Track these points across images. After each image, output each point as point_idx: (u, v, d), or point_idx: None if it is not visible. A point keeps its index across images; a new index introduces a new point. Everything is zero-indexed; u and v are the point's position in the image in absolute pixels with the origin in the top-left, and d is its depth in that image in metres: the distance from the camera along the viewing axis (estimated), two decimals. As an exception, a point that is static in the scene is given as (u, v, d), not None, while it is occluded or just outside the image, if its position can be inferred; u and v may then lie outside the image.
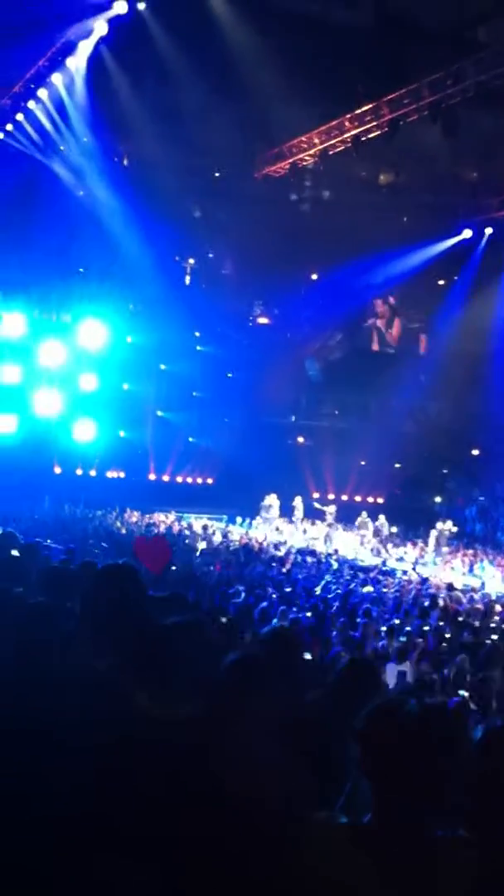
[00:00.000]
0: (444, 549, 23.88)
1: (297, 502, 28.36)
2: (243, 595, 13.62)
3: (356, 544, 26.02)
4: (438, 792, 2.59)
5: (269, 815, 2.54)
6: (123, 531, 23.17)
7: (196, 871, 2.49)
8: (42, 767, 2.64)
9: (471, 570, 22.95)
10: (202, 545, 21.71)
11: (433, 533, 24.43)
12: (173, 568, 16.13)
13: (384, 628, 11.69)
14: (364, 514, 27.66)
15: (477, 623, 13.42)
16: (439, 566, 22.96)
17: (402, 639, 11.00)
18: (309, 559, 20.93)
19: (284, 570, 18.18)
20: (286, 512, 28.47)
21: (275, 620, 10.75)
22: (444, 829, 2.60)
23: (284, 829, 2.53)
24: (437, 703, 3.20)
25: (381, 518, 26.88)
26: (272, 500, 28.08)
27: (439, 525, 24.77)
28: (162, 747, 2.65)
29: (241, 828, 2.49)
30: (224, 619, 9.64)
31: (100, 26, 21.90)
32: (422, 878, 2.47)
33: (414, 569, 21.66)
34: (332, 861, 2.51)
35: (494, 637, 12.43)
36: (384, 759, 2.60)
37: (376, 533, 26.74)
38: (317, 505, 28.92)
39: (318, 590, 15.45)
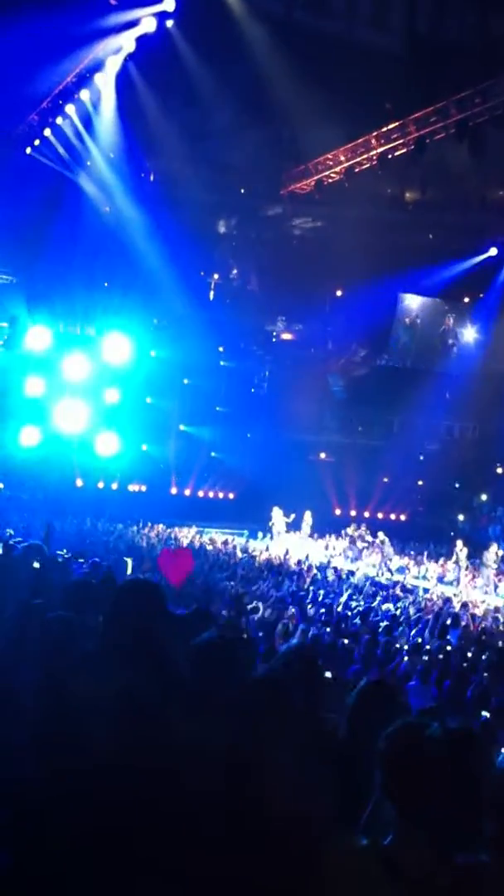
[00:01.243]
0: (490, 572, 23.31)
1: (307, 517, 28.02)
2: (262, 610, 13.55)
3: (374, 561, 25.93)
4: (462, 816, 2.54)
5: (295, 836, 2.50)
6: (144, 545, 23.15)
7: (223, 891, 2.46)
8: (70, 784, 2.62)
9: (495, 590, 22.72)
10: (223, 560, 21.64)
11: (458, 551, 24.18)
12: (196, 582, 16.11)
13: (406, 647, 11.59)
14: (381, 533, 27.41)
15: (500, 643, 13.27)
16: (462, 584, 22.74)
17: (425, 658, 10.89)
18: (329, 575, 20.81)
19: (305, 585, 18.09)
20: (293, 526, 28.13)
21: (293, 639, 10.68)
22: (467, 855, 2.54)
23: (309, 851, 2.49)
24: (461, 727, 3.15)
25: (381, 535, 26.63)
26: (276, 515, 27.83)
27: (459, 544, 24.47)
28: (200, 769, 2.62)
29: (269, 849, 2.46)
30: (245, 636, 9.58)
31: (128, 43, 22.08)
32: None
33: (438, 585, 21.53)
34: (353, 883, 2.47)
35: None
36: (407, 782, 2.57)
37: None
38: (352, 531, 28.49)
39: (338, 607, 15.34)
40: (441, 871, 2.46)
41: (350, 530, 28.31)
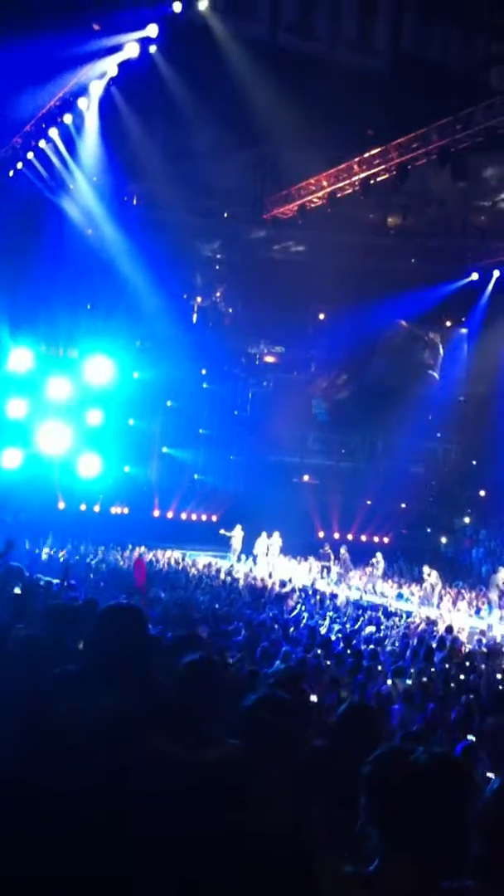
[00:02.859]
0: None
1: (276, 538, 27.86)
2: (242, 633, 13.49)
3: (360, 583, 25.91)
4: (446, 842, 2.51)
5: (287, 860, 2.47)
6: (125, 567, 23.03)
7: None
8: (50, 809, 2.58)
9: (477, 613, 22.71)
10: (206, 582, 21.56)
11: (428, 578, 24.08)
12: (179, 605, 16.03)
13: (388, 670, 11.54)
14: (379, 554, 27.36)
15: (483, 666, 13.25)
16: (443, 608, 22.70)
17: (408, 681, 10.84)
18: (313, 598, 20.76)
19: (288, 608, 18.03)
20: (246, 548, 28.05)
21: (278, 661, 10.62)
22: (452, 881, 2.50)
23: (300, 876, 2.46)
24: (445, 752, 3.16)
25: (378, 556, 26.61)
26: (261, 539, 27.74)
27: (426, 569, 24.38)
28: (186, 789, 2.61)
29: (259, 870, 2.44)
30: (230, 660, 9.52)
31: (111, 68, 22.19)
32: None
33: (420, 608, 21.49)
34: None
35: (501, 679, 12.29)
36: (391, 807, 2.54)
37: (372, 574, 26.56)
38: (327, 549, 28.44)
39: (322, 629, 15.29)
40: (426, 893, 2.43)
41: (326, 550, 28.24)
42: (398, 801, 2.54)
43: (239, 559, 27.77)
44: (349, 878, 2.53)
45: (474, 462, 34.32)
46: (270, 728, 2.87)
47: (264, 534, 27.61)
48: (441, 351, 37.32)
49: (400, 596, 24.41)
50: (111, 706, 2.98)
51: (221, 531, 28.92)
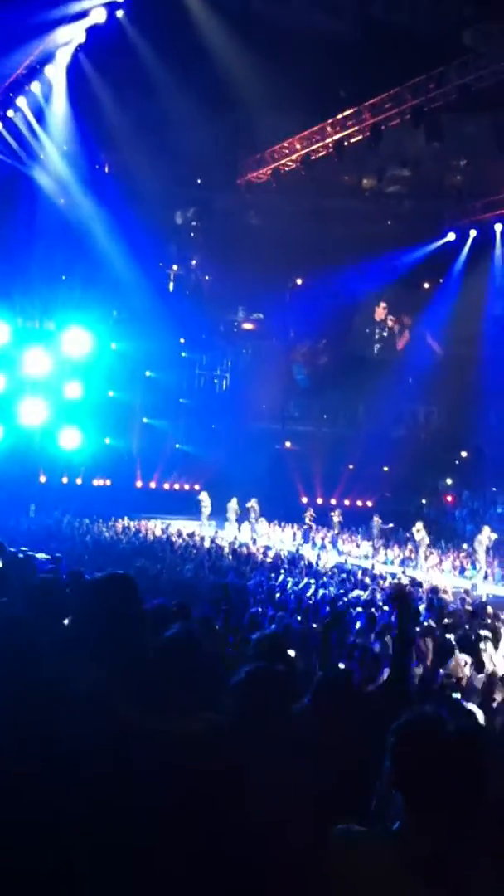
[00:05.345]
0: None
1: (253, 503, 27.90)
2: (231, 601, 13.50)
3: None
4: (470, 807, 2.64)
5: (290, 825, 2.54)
6: (110, 539, 23.04)
7: (217, 886, 2.45)
8: (36, 783, 2.57)
9: (461, 573, 22.91)
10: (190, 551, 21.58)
11: (417, 535, 24.20)
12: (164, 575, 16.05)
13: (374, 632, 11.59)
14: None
15: (467, 626, 13.35)
16: (427, 568, 22.88)
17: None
18: (298, 563, 20.82)
19: (275, 574, 18.08)
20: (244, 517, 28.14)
21: (273, 625, 10.67)
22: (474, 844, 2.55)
23: (307, 839, 2.53)
24: (472, 723, 3.21)
25: (376, 518, 26.74)
26: (232, 504, 27.82)
27: (419, 525, 24.48)
28: (165, 761, 2.60)
29: (260, 839, 2.48)
30: (217, 627, 9.53)
31: (78, 34, 21.82)
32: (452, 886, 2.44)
33: (403, 571, 21.62)
34: (364, 865, 2.52)
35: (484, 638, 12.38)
36: (418, 774, 2.61)
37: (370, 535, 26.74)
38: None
39: (308, 594, 15.35)
40: (452, 853, 2.50)
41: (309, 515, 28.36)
42: (425, 769, 2.60)
43: (206, 524, 27.88)
44: (371, 836, 2.62)
45: (455, 423, 34.38)
46: (260, 701, 2.87)
47: (234, 499, 27.69)
48: (419, 313, 37.28)
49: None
50: (97, 678, 2.97)
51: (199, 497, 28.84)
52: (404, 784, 2.63)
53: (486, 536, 22.63)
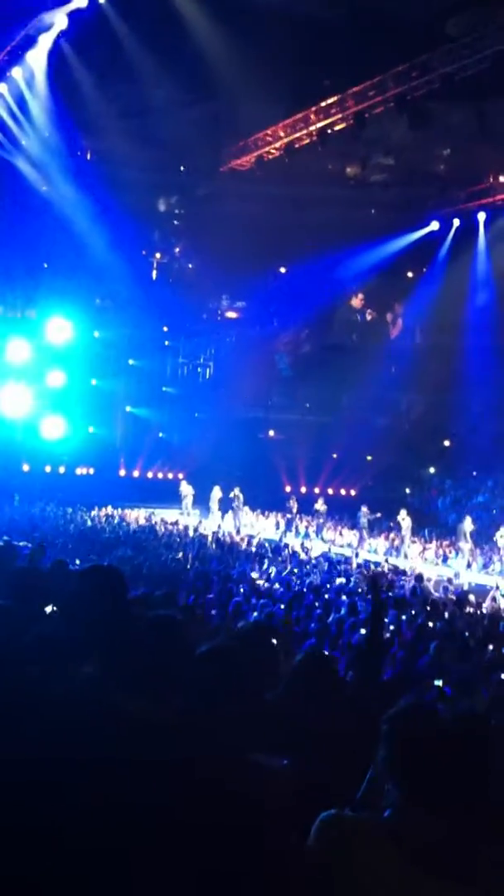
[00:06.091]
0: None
1: (216, 492, 27.87)
2: (214, 589, 13.51)
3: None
4: (468, 796, 2.59)
5: (257, 810, 2.49)
6: (93, 527, 23.00)
7: (203, 874, 2.43)
8: (32, 780, 2.56)
9: (444, 561, 22.99)
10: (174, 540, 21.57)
11: (402, 523, 24.25)
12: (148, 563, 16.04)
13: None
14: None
15: (447, 614, 13.42)
16: (412, 556, 22.96)
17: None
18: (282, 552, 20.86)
19: (257, 562, 18.10)
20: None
21: (255, 613, 10.68)
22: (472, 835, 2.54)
23: (280, 825, 2.49)
24: (470, 710, 3.23)
25: (364, 508, 26.75)
26: (215, 493, 27.83)
27: (403, 513, 24.51)
28: (152, 752, 2.58)
29: (239, 827, 2.44)
30: (198, 614, 9.54)
31: (59, 20, 21.65)
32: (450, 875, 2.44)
33: (387, 560, 21.69)
34: (357, 849, 2.50)
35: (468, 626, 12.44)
36: (413, 762, 2.60)
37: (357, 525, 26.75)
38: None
39: (295, 582, 15.38)
40: (445, 842, 2.48)
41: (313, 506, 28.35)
42: (421, 757, 2.58)
43: (187, 513, 27.90)
44: (362, 821, 2.59)
45: (438, 412, 34.46)
46: (216, 680, 2.86)
47: (217, 488, 27.69)
48: (403, 302, 37.33)
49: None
50: (88, 673, 2.95)
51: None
52: (401, 772, 2.60)
53: (468, 525, 22.74)
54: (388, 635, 10.68)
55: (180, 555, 18.64)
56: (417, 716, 2.70)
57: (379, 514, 26.64)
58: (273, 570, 17.27)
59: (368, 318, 38.57)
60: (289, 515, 27.77)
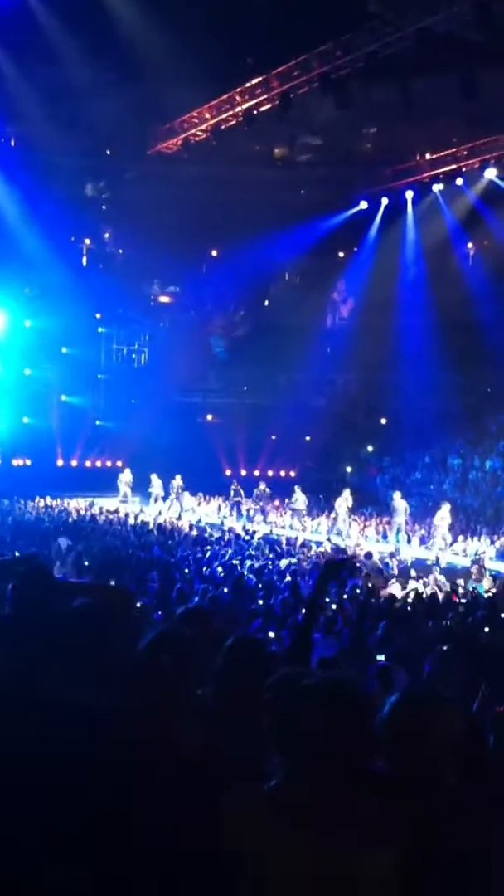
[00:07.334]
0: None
1: (177, 480, 27.99)
2: (157, 576, 13.50)
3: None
4: (342, 759, 2.60)
5: (195, 789, 2.58)
6: (33, 518, 22.78)
7: (125, 859, 2.52)
8: None
9: (384, 538, 23.25)
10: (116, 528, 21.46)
11: (340, 502, 24.43)
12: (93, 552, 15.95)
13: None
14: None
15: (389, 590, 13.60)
16: (353, 535, 23.15)
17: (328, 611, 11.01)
18: (225, 535, 20.90)
19: (201, 547, 18.13)
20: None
21: (196, 598, 10.69)
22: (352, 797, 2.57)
23: (208, 803, 2.57)
24: (338, 673, 3.30)
25: (297, 490, 26.86)
26: (155, 480, 27.97)
27: (346, 493, 24.72)
28: (85, 736, 2.63)
29: (171, 808, 2.54)
30: (139, 604, 9.52)
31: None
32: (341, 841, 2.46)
33: (328, 539, 21.88)
34: (245, 826, 2.55)
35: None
36: (285, 728, 2.67)
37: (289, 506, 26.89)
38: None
39: (237, 565, 15.41)
40: (326, 808, 2.50)
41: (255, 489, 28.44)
42: (292, 722, 2.64)
43: (128, 501, 27.92)
44: (251, 794, 2.62)
45: (374, 391, 34.73)
46: (162, 667, 2.88)
47: (154, 475, 27.78)
48: (334, 282, 37.47)
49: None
50: (15, 656, 2.96)
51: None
52: (274, 737, 2.68)
53: (400, 503, 23.06)
54: (331, 613, 10.78)
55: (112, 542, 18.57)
56: (287, 684, 2.78)
57: (268, 490, 27.15)
58: (217, 553, 17.29)
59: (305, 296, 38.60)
60: (237, 499, 27.81)
